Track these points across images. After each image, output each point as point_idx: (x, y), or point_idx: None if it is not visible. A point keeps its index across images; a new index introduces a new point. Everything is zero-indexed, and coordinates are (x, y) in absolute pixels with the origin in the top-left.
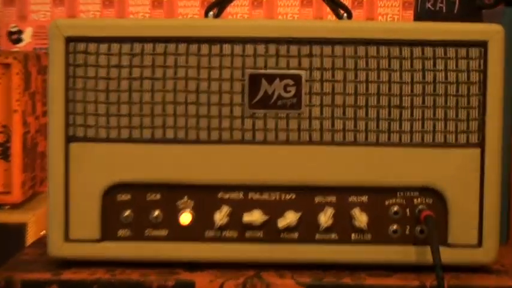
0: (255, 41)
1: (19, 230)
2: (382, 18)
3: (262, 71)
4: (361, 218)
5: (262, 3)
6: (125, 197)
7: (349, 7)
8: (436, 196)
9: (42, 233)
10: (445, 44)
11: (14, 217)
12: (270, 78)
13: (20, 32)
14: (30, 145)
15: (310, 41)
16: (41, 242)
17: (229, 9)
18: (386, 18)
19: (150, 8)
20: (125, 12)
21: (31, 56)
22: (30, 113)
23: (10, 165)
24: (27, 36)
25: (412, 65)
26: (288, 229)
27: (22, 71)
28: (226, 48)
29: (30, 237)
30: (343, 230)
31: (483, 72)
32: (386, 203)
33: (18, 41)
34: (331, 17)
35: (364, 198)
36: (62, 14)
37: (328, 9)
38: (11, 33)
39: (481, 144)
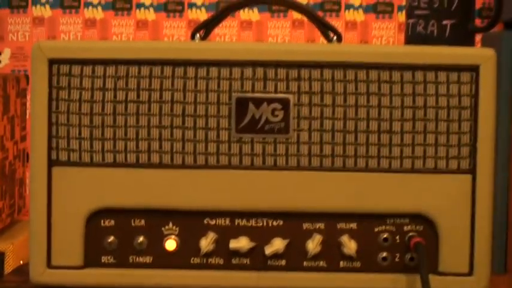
0: (242, 64)
1: None
2: (377, 41)
3: (250, 95)
4: (350, 245)
5: (251, 24)
6: (108, 222)
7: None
8: (426, 223)
9: (21, 262)
10: (436, 68)
11: None
12: (258, 102)
13: None
14: (9, 171)
15: (299, 65)
16: (22, 270)
17: (217, 30)
18: (381, 40)
19: (134, 29)
20: (108, 33)
21: (10, 78)
22: (9, 138)
23: None
24: (4, 57)
25: (402, 90)
26: (276, 256)
27: (1, 94)
28: (213, 71)
29: (9, 267)
30: (331, 257)
31: (475, 97)
32: (376, 230)
33: None
34: (323, 39)
35: (353, 225)
36: (42, 34)
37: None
38: None
39: (472, 171)
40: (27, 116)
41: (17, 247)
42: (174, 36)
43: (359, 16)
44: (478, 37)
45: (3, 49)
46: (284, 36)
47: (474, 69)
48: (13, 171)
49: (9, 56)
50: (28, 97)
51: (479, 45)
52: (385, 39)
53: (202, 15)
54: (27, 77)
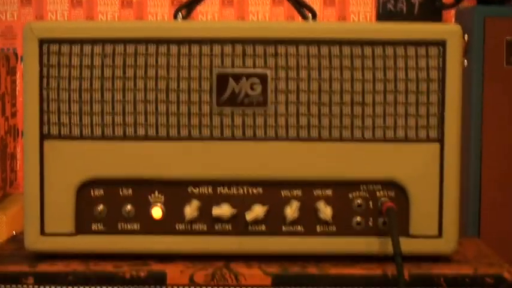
0: (222, 41)
1: None
2: (355, 17)
3: (230, 70)
4: (326, 211)
5: (233, 2)
6: (98, 192)
7: (321, 6)
8: (397, 189)
9: (13, 233)
10: (405, 43)
11: None
12: (237, 77)
13: None
14: (0, 146)
15: (276, 41)
16: (15, 239)
17: (199, 8)
18: (359, 16)
19: (119, 8)
20: (94, 12)
21: (0, 57)
22: (0, 115)
23: None
24: None
25: (373, 64)
26: (256, 222)
27: None
28: (195, 48)
29: (2, 237)
30: (308, 222)
31: (442, 70)
32: (350, 196)
33: None
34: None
35: (329, 192)
36: (30, 14)
37: None
38: None
39: (440, 140)
40: (17, 93)
41: (9, 218)
42: (158, 14)
43: None
44: (452, 12)
45: None
46: (264, 13)
47: (441, 43)
48: (4, 146)
49: None
50: (18, 75)
51: (453, 20)
52: (363, 14)
53: None
54: (16, 55)
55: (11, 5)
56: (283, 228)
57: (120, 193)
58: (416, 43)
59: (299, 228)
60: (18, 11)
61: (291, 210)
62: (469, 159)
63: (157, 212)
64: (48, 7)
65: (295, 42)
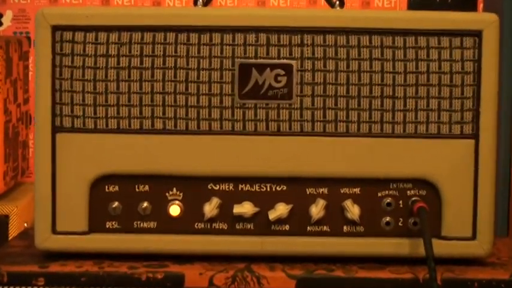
0: (245, 30)
1: (1, 221)
2: (379, 3)
3: (253, 61)
4: (353, 210)
5: None
6: (112, 188)
7: None
8: (429, 188)
9: (25, 224)
10: (439, 33)
11: None
12: (261, 68)
13: None
14: (12, 134)
15: (302, 30)
16: (26, 234)
17: None
18: (383, 4)
19: None
20: None
21: (12, 41)
22: (12, 101)
23: None
24: (6, 19)
25: (405, 55)
26: (279, 221)
27: (3, 57)
28: (216, 37)
29: (13, 229)
30: (335, 222)
31: (478, 62)
32: (379, 194)
33: None
34: (325, 4)
35: (357, 190)
36: None
37: None
38: None
39: (475, 135)
40: (30, 79)
41: (21, 210)
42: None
43: None
44: (480, 0)
45: (5, 11)
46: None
47: (477, 34)
48: (16, 134)
49: (11, 18)
50: (30, 59)
51: (481, 6)
52: (387, 2)
53: None
54: (29, 40)
55: None
56: (308, 228)
57: (136, 189)
58: (451, 33)
59: (325, 228)
60: None
61: (317, 209)
62: (498, 156)
63: (175, 210)
64: None
65: (323, 31)
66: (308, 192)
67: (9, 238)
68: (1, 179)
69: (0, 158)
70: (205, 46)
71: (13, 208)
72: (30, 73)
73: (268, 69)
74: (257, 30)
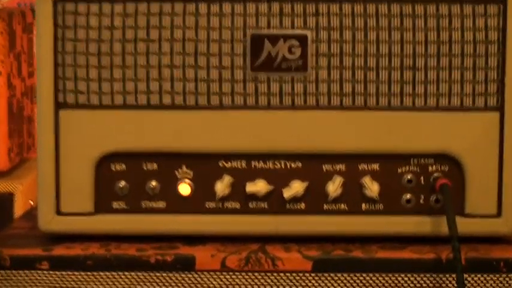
0: None
1: (6, 199)
2: None
3: (265, 31)
4: (372, 187)
5: None
6: (119, 167)
7: None
8: (452, 163)
9: (30, 202)
10: (462, 0)
11: (1, 186)
12: (274, 39)
13: None
14: (16, 109)
15: None
16: (31, 214)
17: None
18: None
19: None
20: None
21: (16, 13)
22: (16, 75)
23: None
24: None
25: (425, 24)
26: (294, 199)
27: (6, 30)
28: (227, 7)
29: (18, 207)
30: (353, 200)
31: (502, 30)
32: (399, 170)
33: None
34: None
35: (376, 166)
36: None
37: None
38: None
39: (500, 108)
40: (35, 52)
41: (26, 187)
42: None
43: None
44: None
45: None
46: None
47: (501, 1)
48: (21, 109)
49: None
50: (35, 32)
51: None
52: None
53: None
54: (33, 11)
55: None
56: (325, 206)
57: (144, 168)
58: (474, 1)
59: (342, 206)
60: None
61: (334, 187)
62: None
63: (185, 189)
64: None
65: None
66: (325, 169)
67: (15, 216)
68: (6, 155)
69: (4, 134)
70: (215, 16)
71: (18, 185)
72: (35, 45)
73: (281, 40)
74: None
